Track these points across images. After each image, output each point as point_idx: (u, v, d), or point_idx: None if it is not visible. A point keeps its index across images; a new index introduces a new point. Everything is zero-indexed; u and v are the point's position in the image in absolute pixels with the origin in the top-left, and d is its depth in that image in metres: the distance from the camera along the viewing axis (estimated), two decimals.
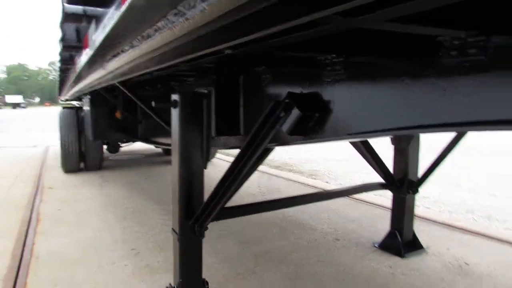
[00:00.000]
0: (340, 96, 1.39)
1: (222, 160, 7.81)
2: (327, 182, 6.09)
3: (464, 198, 5.02)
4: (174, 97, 1.93)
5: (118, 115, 4.35)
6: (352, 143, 2.95)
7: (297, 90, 1.54)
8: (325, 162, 8.10)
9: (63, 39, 3.34)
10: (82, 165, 6.60)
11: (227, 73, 1.93)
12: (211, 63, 1.83)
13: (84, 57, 2.46)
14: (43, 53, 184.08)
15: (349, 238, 3.33)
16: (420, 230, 3.48)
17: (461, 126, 1.01)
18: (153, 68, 1.66)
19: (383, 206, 4.22)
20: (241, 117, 2.02)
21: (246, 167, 1.67)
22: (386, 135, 1.54)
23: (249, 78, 1.90)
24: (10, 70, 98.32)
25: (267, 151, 2.14)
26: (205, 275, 2.65)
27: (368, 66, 1.30)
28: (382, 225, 3.49)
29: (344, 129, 1.40)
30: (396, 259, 2.88)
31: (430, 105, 1.09)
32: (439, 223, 3.71)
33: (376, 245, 3.10)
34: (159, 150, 8.73)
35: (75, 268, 2.75)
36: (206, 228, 2.06)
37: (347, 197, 4.70)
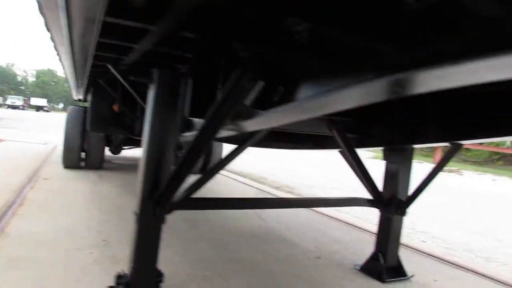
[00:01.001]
0: (308, 70, 1.31)
1: (225, 176, 7.70)
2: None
3: (468, 239, 4.75)
4: (153, 72, 1.89)
5: (115, 108, 4.35)
6: (341, 153, 2.84)
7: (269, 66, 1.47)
8: (329, 190, 7.91)
9: None
10: (83, 163, 6.60)
11: (207, 53, 1.88)
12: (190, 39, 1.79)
13: None
14: None
15: (331, 258, 3.15)
16: (411, 260, 3.28)
17: None
18: None
19: (375, 233, 4.02)
20: None
21: (207, 142, 1.59)
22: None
23: (229, 59, 1.85)
24: (39, 74, 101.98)
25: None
26: (171, 271, 2.53)
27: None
28: (370, 250, 3.29)
29: (311, 108, 1.31)
30: (376, 283, 2.68)
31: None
32: (433, 256, 3.49)
33: (358, 268, 2.91)
34: None
35: (40, 249, 2.66)
36: (168, 212, 1.95)
37: (338, 221, 4.52)
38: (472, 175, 14.87)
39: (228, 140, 5.55)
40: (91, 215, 3.70)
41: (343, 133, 2.51)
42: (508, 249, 4.46)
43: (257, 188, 6.67)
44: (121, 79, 2.68)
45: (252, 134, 2.16)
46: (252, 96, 1.38)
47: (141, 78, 1.90)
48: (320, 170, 11.23)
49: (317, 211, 4.89)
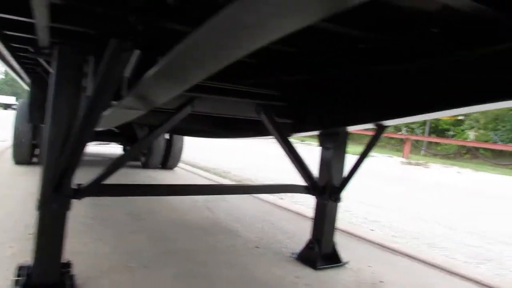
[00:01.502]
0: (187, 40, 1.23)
1: (187, 171, 7.56)
2: None
3: (419, 228, 4.81)
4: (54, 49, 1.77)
5: None
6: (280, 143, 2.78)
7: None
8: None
9: None
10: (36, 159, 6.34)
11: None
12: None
13: None
14: None
15: (271, 247, 3.10)
16: (351, 247, 3.28)
17: None
18: None
19: None
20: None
21: (93, 118, 1.49)
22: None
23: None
24: (8, 72, 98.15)
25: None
26: (93, 263, 2.42)
27: None
28: None
29: (187, 79, 1.23)
30: (308, 270, 2.65)
31: None
32: (375, 243, 3.49)
33: (295, 256, 2.87)
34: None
35: None
36: (75, 198, 1.84)
37: (291, 212, 4.49)
38: (440, 168, 15.25)
39: (184, 132, 5.45)
40: (24, 210, 3.52)
41: (273, 118, 2.45)
42: (456, 236, 4.54)
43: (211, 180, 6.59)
44: (45, 64, 2.54)
45: (170, 117, 2.08)
46: (130, 68, 1.29)
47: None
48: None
49: (271, 203, 4.85)
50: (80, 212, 3.46)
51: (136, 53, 1.26)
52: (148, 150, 7.04)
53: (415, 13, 1.56)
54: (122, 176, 6.22)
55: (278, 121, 2.52)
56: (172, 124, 2.09)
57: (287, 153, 2.56)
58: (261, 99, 2.43)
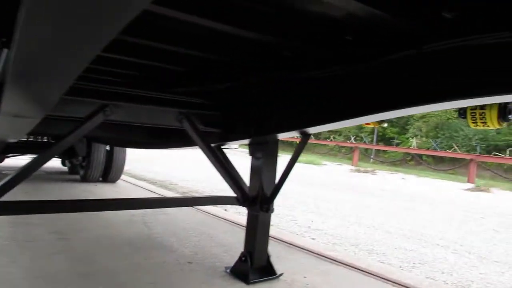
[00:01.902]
0: None
1: (131, 184, 7.21)
2: None
3: (360, 234, 4.88)
4: None
5: None
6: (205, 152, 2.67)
7: None
8: None
9: None
10: None
11: None
12: None
13: None
14: None
15: (204, 262, 2.96)
16: (289, 258, 3.22)
17: None
18: None
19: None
20: None
21: None
22: None
23: None
24: None
25: None
26: None
27: None
28: None
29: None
30: (240, 285, 2.54)
31: None
32: (314, 253, 3.46)
33: (228, 270, 2.75)
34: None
35: None
36: None
37: (233, 224, 4.37)
38: (386, 175, 15.86)
39: (119, 143, 5.17)
40: None
41: (196, 127, 2.34)
42: (394, 241, 4.65)
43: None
44: None
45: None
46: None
47: None
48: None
49: (213, 215, 4.71)
50: None
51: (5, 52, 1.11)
52: (87, 162, 6.65)
53: (326, 21, 1.54)
54: (59, 191, 5.81)
55: (204, 130, 2.41)
56: (82, 133, 1.91)
57: (213, 163, 2.45)
58: (185, 108, 2.31)
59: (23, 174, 1.80)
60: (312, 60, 1.96)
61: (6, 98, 1.17)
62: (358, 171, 16.17)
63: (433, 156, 22.08)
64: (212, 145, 2.61)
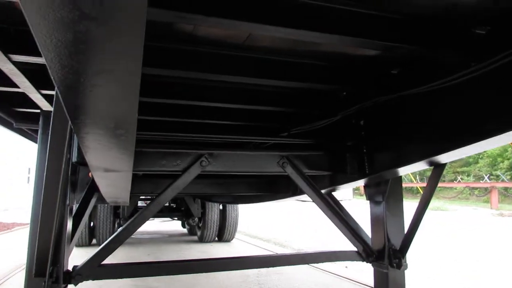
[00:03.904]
0: None
1: (246, 242, 7.10)
2: None
3: None
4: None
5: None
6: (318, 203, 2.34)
7: None
8: None
9: None
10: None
11: None
12: None
13: None
14: None
15: None
16: None
17: None
18: None
19: None
20: None
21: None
22: None
23: None
24: None
25: None
26: None
27: None
28: None
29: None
30: None
31: None
32: None
33: None
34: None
35: None
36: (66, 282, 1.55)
37: (357, 283, 3.78)
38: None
39: (242, 199, 5.09)
40: None
41: (301, 171, 2.05)
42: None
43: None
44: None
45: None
46: None
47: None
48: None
49: (332, 273, 4.19)
50: None
51: None
52: (202, 223, 6.82)
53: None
54: (174, 252, 5.97)
55: (310, 173, 2.11)
56: (179, 187, 1.79)
57: (324, 211, 2.10)
58: (286, 150, 2.07)
59: (124, 235, 1.72)
60: (432, 67, 1.56)
61: (89, 155, 1.08)
62: (502, 215, 13.60)
63: None
64: (323, 191, 2.28)
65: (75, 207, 1.90)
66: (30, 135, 3.25)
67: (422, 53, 1.39)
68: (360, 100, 1.87)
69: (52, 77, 0.62)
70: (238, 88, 1.84)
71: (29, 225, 2.37)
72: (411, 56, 1.58)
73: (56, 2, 0.42)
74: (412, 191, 23.88)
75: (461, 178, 23.96)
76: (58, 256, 1.56)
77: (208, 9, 1.08)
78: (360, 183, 2.25)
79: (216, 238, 6.93)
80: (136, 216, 1.74)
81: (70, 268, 1.70)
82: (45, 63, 0.57)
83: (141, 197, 6.64)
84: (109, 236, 6.01)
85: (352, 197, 21.82)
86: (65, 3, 0.42)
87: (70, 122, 1.17)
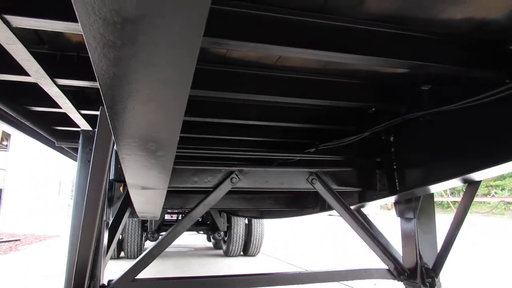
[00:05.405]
0: None
1: (270, 257, 7.05)
2: None
3: None
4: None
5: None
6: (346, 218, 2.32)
7: None
8: None
9: None
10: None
11: None
12: None
13: None
14: None
15: None
16: None
17: None
18: None
19: None
20: None
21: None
22: None
23: None
24: None
25: None
26: None
27: None
28: None
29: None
30: None
31: None
32: None
33: None
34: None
35: None
36: None
37: None
38: None
39: (269, 214, 5.08)
40: None
41: (330, 187, 2.05)
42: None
43: None
44: None
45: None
46: None
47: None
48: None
49: None
50: None
51: None
52: (228, 237, 6.83)
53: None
54: (199, 266, 6.00)
55: (339, 190, 2.10)
56: (209, 205, 1.83)
57: (354, 227, 2.08)
58: (315, 166, 2.08)
59: (157, 250, 1.76)
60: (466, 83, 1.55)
61: (128, 174, 1.13)
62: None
63: None
64: (352, 207, 2.27)
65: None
66: (67, 152, 3.39)
67: (455, 71, 1.38)
68: (389, 116, 1.86)
69: (103, 101, 0.67)
70: (268, 105, 1.88)
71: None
72: (442, 73, 1.57)
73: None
74: (442, 205, 23.10)
75: (495, 192, 22.99)
76: (95, 270, 1.62)
77: (240, 35, 1.13)
78: (390, 200, 2.22)
79: (242, 253, 6.92)
80: (169, 231, 1.79)
81: (105, 282, 1.76)
82: (98, 86, 0.62)
83: (168, 211, 6.74)
84: (137, 249, 6.17)
85: (379, 210, 21.31)
86: None
87: (114, 142, 1.23)
